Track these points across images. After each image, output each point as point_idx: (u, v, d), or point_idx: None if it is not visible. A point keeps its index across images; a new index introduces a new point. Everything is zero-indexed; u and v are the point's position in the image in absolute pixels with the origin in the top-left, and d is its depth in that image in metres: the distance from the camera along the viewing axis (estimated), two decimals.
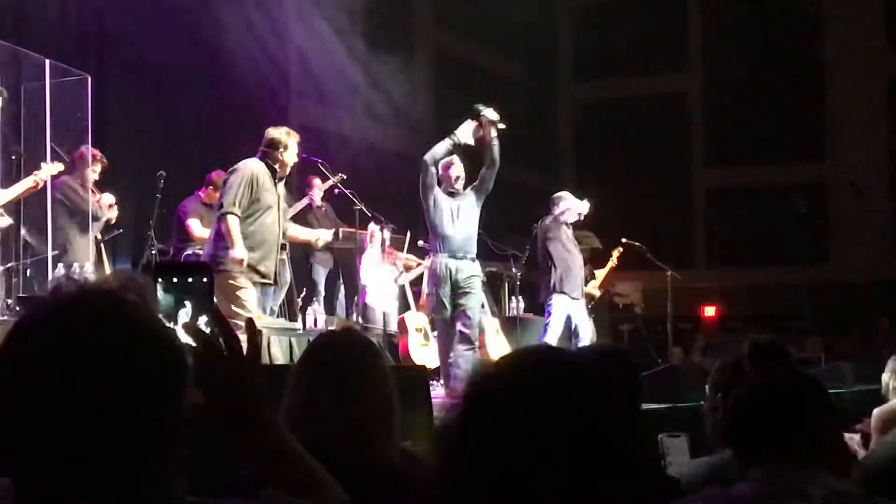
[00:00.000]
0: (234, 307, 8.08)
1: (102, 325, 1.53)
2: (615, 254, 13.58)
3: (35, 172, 8.56)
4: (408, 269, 12.61)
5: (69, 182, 9.95)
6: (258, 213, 8.19)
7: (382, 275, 11.93)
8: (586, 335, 11.11)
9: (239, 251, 8.01)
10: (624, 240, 13.56)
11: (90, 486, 1.50)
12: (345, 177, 11.75)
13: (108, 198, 10.38)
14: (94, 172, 10.10)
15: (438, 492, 1.54)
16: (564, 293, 10.93)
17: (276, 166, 8.23)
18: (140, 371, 1.53)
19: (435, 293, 9.38)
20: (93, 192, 10.22)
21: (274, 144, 8.22)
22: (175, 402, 1.57)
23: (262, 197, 8.17)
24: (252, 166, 8.20)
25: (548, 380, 1.52)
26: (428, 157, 9.35)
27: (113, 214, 10.48)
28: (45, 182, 8.55)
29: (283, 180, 8.44)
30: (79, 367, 1.50)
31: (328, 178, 11.78)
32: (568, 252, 11.08)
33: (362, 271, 11.90)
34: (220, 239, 8.24)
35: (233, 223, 8.05)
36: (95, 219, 10.21)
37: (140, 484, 1.53)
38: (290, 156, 8.25)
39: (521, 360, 1.58)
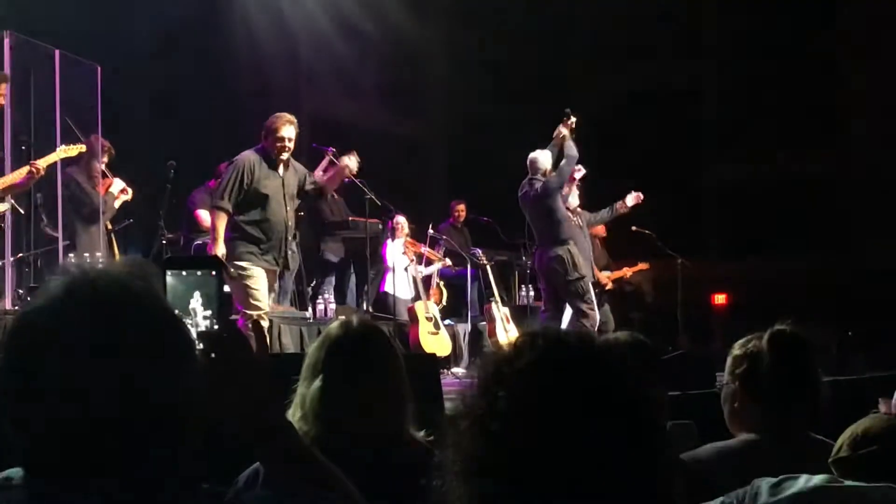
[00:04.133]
0: (245, 296, 8.24)
1: (109, 306, 1.53)
2: (641, 267, 13.82)
3: (32, 162, 8.67)
4: (429, 261, 12.66)
5: (75, 176, 9.98)
6: (260, 201, 8.34)
7: (405, 264, 11.98)
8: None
9: (219, 248, 8.20)
10: (634, 228, 13.58)
11: (101, 468, 1.50)
12: (335, 150, 11.76)
13: (119, 184, 10.39)
14: (101, 163, 10.12)
15: (451, 479, 1.53)
16: None
17: (273, 153, 8.37)
18: (148, 353, 1.53)
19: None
20: (104, 174, 10.23)
21: (266, 132, 8.39)
22: (184, 385, 1.57)
23: (261, 186, 8.33)
24: (244, 157, 8.39)
25: (561, 361, 1.51)
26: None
27: (126, 197, 10.47)
28: (42, 170, 8.62)
29: (286, 165, 8.50)
30: (86, 348, 1.50)
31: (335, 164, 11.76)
32: None
33: (388, 258, 11.95)
34: (229, 230, 8.37)
35: (219, 219, 8.29)
36: (104, 211, 10.22)
37: (150, 467, 1.53)
38: (280, 141, 8.32)
39: (534, 341, 1.56)
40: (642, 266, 13.99)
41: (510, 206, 12.64)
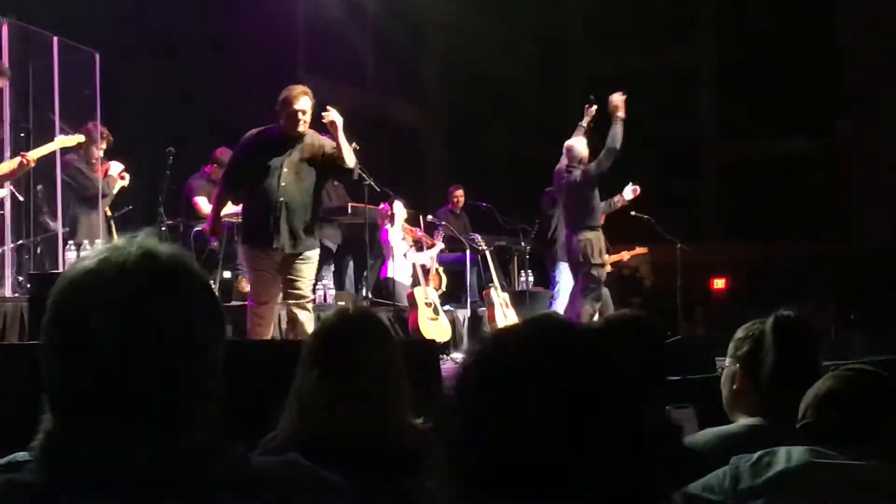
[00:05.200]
0: (251, 279, 8.15)
1: (153, 269, 1.59)
2: (639, 251, 13.91)
3: (22, 153, 8.69)
4: (429, 246, 12.65)
5: (75, 162, 10.00)
6: (255, 179, 7.95)
7: (404, 250, 11.97)
8: None
9: (217, 225, 8.36)
10: (632, 213, 13.59)
11: (143, 422, 1.54)
12: (358, 147, 11.72)
13: (117, 166, 10.39)
14: (99, 150, 10.14)
15: (444, 466, 1.54)
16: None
17: (289, 128, 7.90)
18: (195, 315, 1.60)
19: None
20: (102, 162, 10.25)
21: (280, 105, 7.95)
22: (218, 350, 1.63)
23: (257, 163, 7.94)
24: (248, 134, 8.11)
25: (553, 348, 1.51)
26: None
27: (123, 182, 10.48)
28: (32, 161, 8.66)
29: (298, 141, 7.97)
30: (134, 308, 1.55)
31: None
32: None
33: (389, 244, 11.93)
34: (241, 213, 8.36)
35: (219, 200, 8.35)
36: (104, 195, 10.24)
37: (189, 422, 1.57)
38: (291, 114, 7.86)
39: (526, 328, 1.58)
40: (640, 250, 14.05)
41: (508, 191, 12.65)
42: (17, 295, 9.14)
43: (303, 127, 7.92)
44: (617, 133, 10.51)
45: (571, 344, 1.52)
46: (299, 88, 7.99)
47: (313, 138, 8.08)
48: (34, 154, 8.78)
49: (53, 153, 9.37)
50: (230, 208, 10.61)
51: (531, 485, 1.45)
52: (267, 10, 14.95)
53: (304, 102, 7.89)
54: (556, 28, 24.76)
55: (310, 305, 8.15)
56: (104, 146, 10.24)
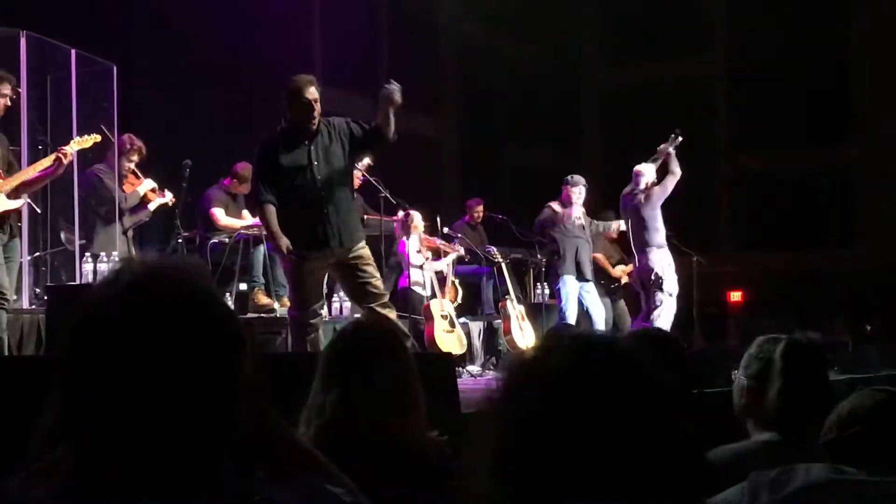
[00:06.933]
0: (293, 293, 7.80)
1: (173, 302, 1.55)
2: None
3: (60, 147, 8.35)
4: (445, 254, 12.61)
5: (99, 172, 9.97)
6: (286, 181, 7.53)
7: (420, 261, 11.95)
8: (599, 318, 11.31)
9: (280, 241, 7.49)
10: None
11: (155, 459, 1.51)
12: (371, 164, 11.72)
13: (149, 183, 10.33)
14: (130, 162, 10.11)
15: (479, 479, 1.55)
16: (569, 274, 11.25)
17: (302, 120, 7.56)
18: (208, 350, 1.54)
19: None
20: (135, 174, 10.22)
21: (289, 98, 7.60)
22: (236, 385, 1.59)
23: (283, 163, 7.55)
24: (259, 146, 7.69)
25: (588, 362, 1.53)
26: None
27: (162, 200, 10.41)
28: (70, 155, 8.41)
29: (315, 132, 7.60)
30: (151, 337, 1.51)
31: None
32: (565, 234, 11.41)
33: (407, 256, 11.91)
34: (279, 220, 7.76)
35: (266, 213, 7.58)
36: (125, 211, 10.18)
37: (202, 464, 1.54)
38: (304, 105, 7.52)
39: (560, 342, 1.58)
40: None
41: (524, 203, 12.62)
42: (34, 307, 9.16)
43: (317, 118, 7.58)
44: (676, 161, 11.02)
45: (612, 362, 1.53)
46: (305, 78, 7.67)
47: (328, 123, 7.77)
48: (69, 147, 8.48)
49: (71, 164, 9.34)
50: (249, 219, 10.65)
51: (577, 497, 1.46)
52: (282, 21, 14.98)
53: (313, 91, 7.57)
54: (571, 40, 24.77)
55: (387, 304, 7.72)
56: (135, 159, 10.17)
